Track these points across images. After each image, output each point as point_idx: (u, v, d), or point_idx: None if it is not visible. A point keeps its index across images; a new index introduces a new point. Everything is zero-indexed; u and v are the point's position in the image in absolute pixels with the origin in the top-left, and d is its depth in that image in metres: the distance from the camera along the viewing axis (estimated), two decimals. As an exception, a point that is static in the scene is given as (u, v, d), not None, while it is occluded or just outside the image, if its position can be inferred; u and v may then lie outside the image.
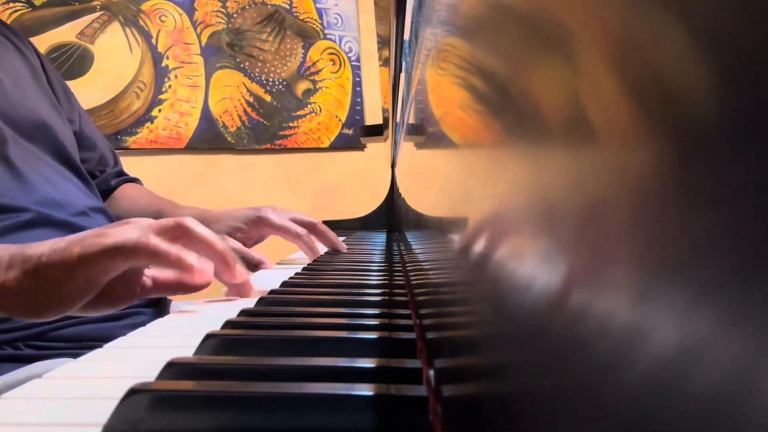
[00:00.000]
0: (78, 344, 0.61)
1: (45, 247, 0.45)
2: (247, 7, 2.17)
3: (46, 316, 0.45)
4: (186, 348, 0.34)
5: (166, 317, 0.49)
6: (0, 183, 0.63)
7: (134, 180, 1.00)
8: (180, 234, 0.47)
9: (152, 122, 2.08)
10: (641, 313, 0.08)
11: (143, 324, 0.45)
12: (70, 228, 0.65)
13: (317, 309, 0.46)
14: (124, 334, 0.42)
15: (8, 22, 1.98)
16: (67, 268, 0.43)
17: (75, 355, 0.37)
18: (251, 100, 2.15)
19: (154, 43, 2.11)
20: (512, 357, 0.14)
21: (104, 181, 0.92)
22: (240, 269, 0.52)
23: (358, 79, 2.21)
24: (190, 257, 0.46)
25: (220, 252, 0.50)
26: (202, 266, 0.47)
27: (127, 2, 2.10)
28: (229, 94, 2.14)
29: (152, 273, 0.53)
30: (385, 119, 1.24)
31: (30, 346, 0.59)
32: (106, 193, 0.92)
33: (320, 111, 2.18)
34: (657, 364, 0.07)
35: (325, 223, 0.88)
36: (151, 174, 2.04)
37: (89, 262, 0.44)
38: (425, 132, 0.46)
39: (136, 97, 2.08)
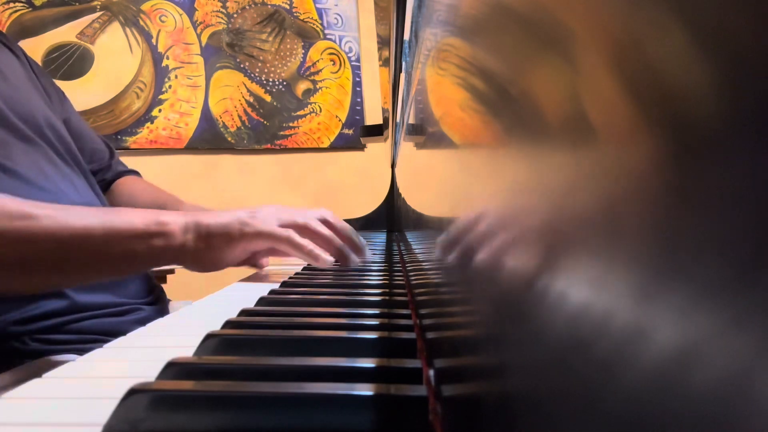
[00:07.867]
0: (84, 336, 0.62)
1: (211, 218, 0.61)
2: (247, 7, 2.17)
3: (209, 270, 0.62)
4: (186, 348, 0.34)
5: (167, 317, 0.49)
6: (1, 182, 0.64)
7: (132, 172, 1.00)
8: (307, 233, 0.66)
9: (152, 122, 2.08)
10: (641, 313, 0.08)
11: (148, 319, 0.45)
12: None
13: (317, 309, 0.46)
14: (134, 329, 0.43)
15: (8, 22, 1.99)
16: (231, 239, 0.61)
17: (81, 351, 0.38)
18: (251, 100, 2.15)
19: (155, 43, 2.11)
20: (512, 357, 0.14)
21: (99, 174, 0.93)
22: (353, 258, 0.71)
23: (358, 79, 2.21)
24: (319, 252, 0.66)
25: (337, 248, 0.69)
26: (325, 259, 0.67)
27: (127, 2, 2.10)
28: (229, 94, 2.14)
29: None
30: (385, 119, 1.24)
31: (37, 340, 0.60)
32: (103, 186, 0.93)
33: (320, 111, 2.18)
34: (657, 364, 0.07)
35: (326, 222, 0.87)
36: (151, 174, 2.03)
37: (247, 238, 0.62)
38: (425, 132, 0.46)
39: (136, 97, 2.08)
